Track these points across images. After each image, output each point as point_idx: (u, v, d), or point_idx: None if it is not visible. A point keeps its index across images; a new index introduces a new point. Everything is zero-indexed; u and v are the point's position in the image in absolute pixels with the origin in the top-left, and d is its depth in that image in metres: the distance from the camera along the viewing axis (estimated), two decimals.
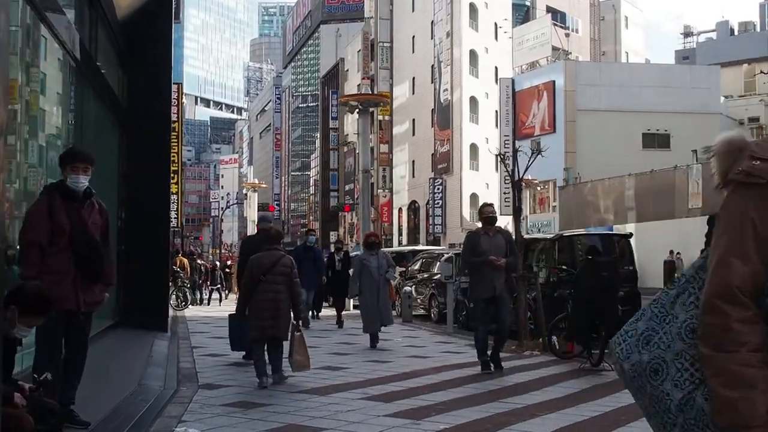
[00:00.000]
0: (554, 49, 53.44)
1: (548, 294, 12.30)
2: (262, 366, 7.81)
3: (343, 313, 15.95)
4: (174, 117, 39.73)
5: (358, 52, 72.58)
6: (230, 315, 9.73)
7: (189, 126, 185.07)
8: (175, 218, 41.05)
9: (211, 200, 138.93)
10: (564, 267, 12.49)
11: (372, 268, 11.82)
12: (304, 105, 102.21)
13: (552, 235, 13.75)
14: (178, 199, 40.65)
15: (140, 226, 12.80)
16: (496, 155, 13.77)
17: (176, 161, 40.40)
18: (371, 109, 19.04)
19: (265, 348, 7.95)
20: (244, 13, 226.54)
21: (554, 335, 10.42)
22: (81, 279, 5.21)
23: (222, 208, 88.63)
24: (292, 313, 8.11)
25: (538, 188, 48.56)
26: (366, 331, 11.91)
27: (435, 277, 17.40)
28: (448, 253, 18.24)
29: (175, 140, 40.06)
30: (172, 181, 40.93)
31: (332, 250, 17.91)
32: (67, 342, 5.37)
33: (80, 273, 5.17)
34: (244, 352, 9.57)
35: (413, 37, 62.99)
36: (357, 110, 18.89)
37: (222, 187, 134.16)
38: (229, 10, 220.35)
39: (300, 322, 8.33)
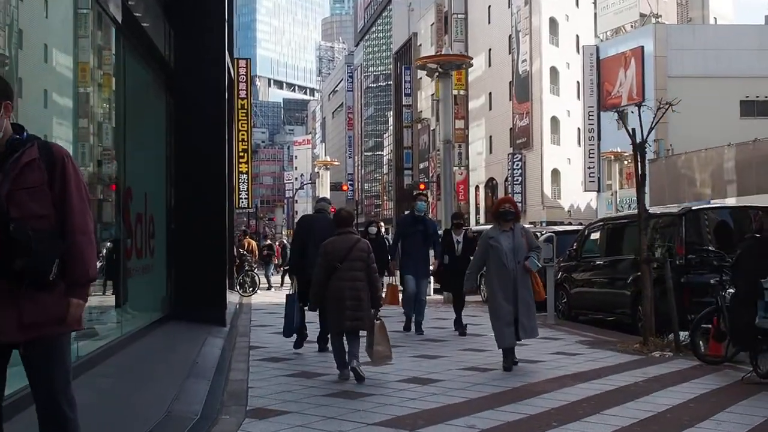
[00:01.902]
0: (641, 15, 50.27)
1: (674, 281, 10.16)
2: (343, 357, 7.35)
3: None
4: (243, 94, 38.36)
5: (431, 25, 70.32)
6: (288, 296, 9.38)
7: (262, 108, 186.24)
8: (245, 198, 39.80)
9: (285, 181, 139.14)
10: (707, 248, 10.29)
11: (504, 252, 8.09)
12: (376, 85, 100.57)
13: (677, 209, 11.54)
14: (248, 180, 39.30)
15: (193, 205, 11.12)
16: (617, 113, 11.25)
17: (246, 140, 39.02)
18: (452, 73, 16.94)
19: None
20: None
21: (697, 334, 8.32)
22: (6, 288, 3.16)
23: (296, 189, 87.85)
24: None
25: (626, 162, 45.80)
26: (500, 345, 8.18)
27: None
28: (543, 233, 16.18)
29: (245, 118, 38.65)
30: (241, 160, 39.66)
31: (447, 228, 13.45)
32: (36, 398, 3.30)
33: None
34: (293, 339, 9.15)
35: (489, 7, 60.46)
36: (436, 74, 16.87)
37: (296, 168, 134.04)
38: None
39: (377, 312, 7.59)
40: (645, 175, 10.07)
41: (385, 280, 12.83)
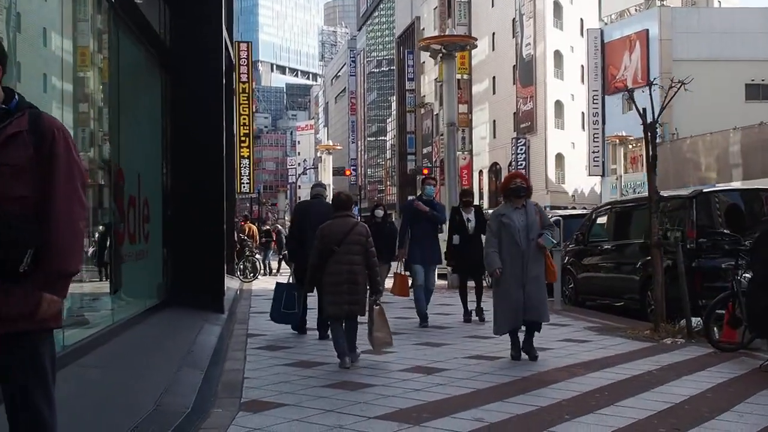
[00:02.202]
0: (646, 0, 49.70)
1: (685, 265, 9.85)
2: (342, 345, 7.12)
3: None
4: (244, 78, 37.96)
5: (435, 9, 69.78)
6: (277, 283, 9.63)
7: (265, 93, 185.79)
8: (247, 183, 39.50)
9: (288, 167, 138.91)
10: (722, 231, 9.96)
11: (516, 229, 7.46)
12: (379, 70, 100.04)
13: (688, 192, 11.20)
14: (249, 165, 38.99)
15: (190, 189, 10.81)
16: (627, 93, 10.87)
17: (247, 124, 38.65)
18: (456, 54, 16.57)
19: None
20: None
21: (711, 320, 8.01)
22: None
23: (298, 174, 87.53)
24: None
25: (630, 146, 45.40)
26: (498, 332, 7.68)
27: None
28: (551, 216, 15.84)
29: (246, 102, 38.28)
30: (243, 145, 39.31)
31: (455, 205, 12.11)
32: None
33: None
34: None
35: None
36: (440, 55, 16.50)
37: (299, 153, 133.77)
38: None
39: (376, 297, 7.42)
40: (656, 156, 9.71)
41: (393, 266, 12.56)
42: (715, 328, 8.02)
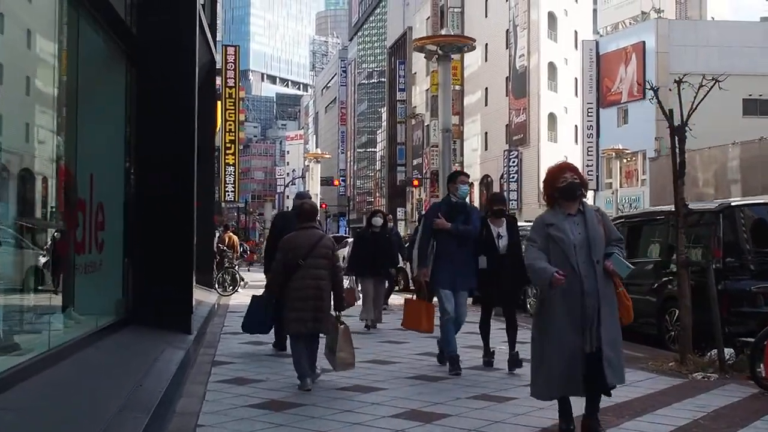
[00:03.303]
0: (642, 12, 48.90)
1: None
2: (305, 365, 6.83)
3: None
4: (231, 83, 36.83)
5: (427, 19, 68.95)
6: (254, 296, 8.50)
7: (255, 102, 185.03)
8: (232, 192, 38.31)
9: (276, 176, 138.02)
10: (755, 250, 8.89)
11: (570, 246, 5.17)
12: (369, 81, 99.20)
13: (714, 205, 10.09)
14: (234, 173, 37.82)
15: (157, 195, 9.61)
16: (652, 90, 9.70)
17: (233, 131, 37.50)
18: (452, 56, 15.49)
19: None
20: None
21: (757, 354, 6.88)
22: None
23: (287, 183, 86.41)
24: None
25: (625, 160, 44.51)
26: (541, 395, 5.41)
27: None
28: None
29: (233, 108, 37.12)
30: (228, 152, 38.14)
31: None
32: None
33: None
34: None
35: (486, 0, 59.07)
36: (436, 56, 15.42)
37: (288, 163, 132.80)
38: None
39: (339, 314, 7.09)
40: (684, 163, 8.61)
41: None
42: (761, 365, 6.88)
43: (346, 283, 11.26)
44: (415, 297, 8.59)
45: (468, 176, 8.61)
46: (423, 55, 16.03)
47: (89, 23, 8.17)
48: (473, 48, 15.82)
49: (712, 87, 8.61)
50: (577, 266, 5.13)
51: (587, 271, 5.13)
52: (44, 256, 7.39)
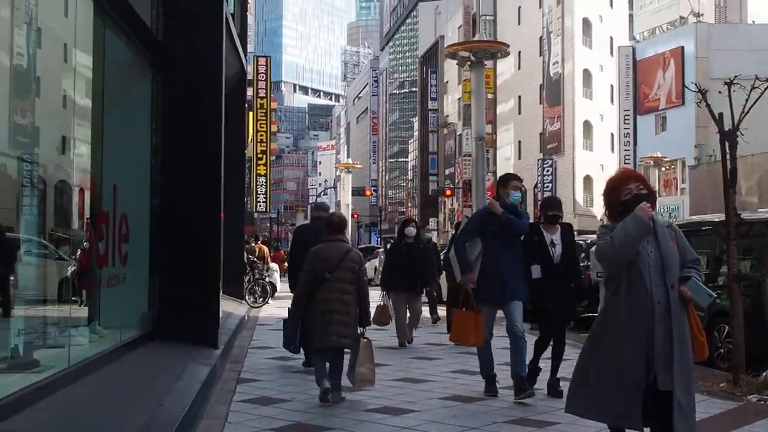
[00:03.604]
0: (680, 18, 48.13)
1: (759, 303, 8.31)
2: (323, 372, 6.75)
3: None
4: (262, 93, 36.76)
5: (459, 28, 68.56)
6: (290, 310, 8.07)
7: (287, 113, 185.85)
8: (263, 202, 38.19)
9: (308, 187, 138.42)
10: None
11: (645, 266, 4.47)
12: (400, 91, 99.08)
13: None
14: (266, 183, 37.68)
15: (184, 206, 9.35)
16: (700, 93, 9.22)
17: (265, 141, 37.43)
18: (485, 62, 15.14)
19: None
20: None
21: None
22: None
23: (318, 193, 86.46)
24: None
25: (663, 168, 43.70)
26: (582, 413, 4.75)
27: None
28: (588, 241, 14.27)
29: (264, 119, 37.06)
30: (260, 162, 38.06)
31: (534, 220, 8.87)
32: None
33: None
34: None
35: (519, 8, 58.64)
36: (468, 63, 15.06)
37: (320, 173, 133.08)
38: None
39: (364, 330, 6.95)
40: (735, 170, 8.17)
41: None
42: None
43: (379, 300, 10.91)
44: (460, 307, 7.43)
45: (521, 181, 7.66)
46: (455, 62, 15.63)
47: (114, 30, 7.96)
48: (507, 54, 15.43)
49: (766, 89, 8.08)
50: (649, 287, 4.37)
51: (660, 297, 4.37)
52: (72, 266, 7.18)
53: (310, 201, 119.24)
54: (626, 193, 4.51)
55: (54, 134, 6.68)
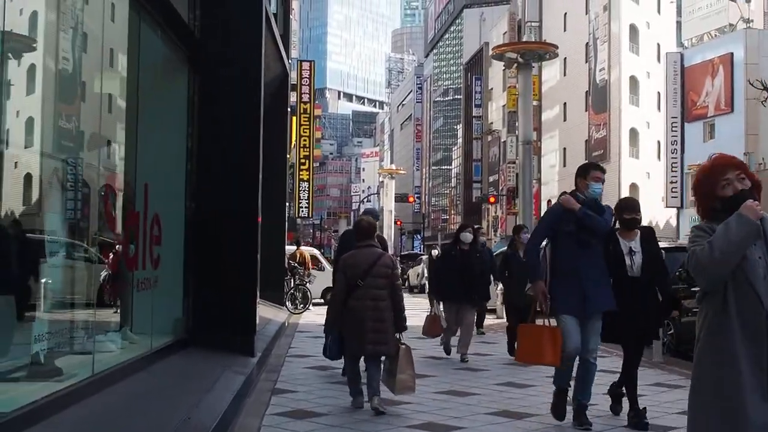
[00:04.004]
0: (729, 25, 47.04)
1: None
2: (358, 383, 6.69)
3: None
4: (305, 98, 36.63)
5: (504, 34, 68.00)
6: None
7: (331, 120, 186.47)
8: (306, 208, 38.02)
9: (352, 194, 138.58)
10: None
11: (755, 275, 3.37)
12: (444, 99, 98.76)
13: None
14: (309, 188, 37.52)
15: (220, 209, 9.09)
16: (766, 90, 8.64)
17: (308, 146, 37.27)
18: (533, 64, 14.72)
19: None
20: (387, 6, 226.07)
21: None
22: None
23: (362, 200, 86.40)
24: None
25: None
26: None
27: None
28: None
29: (307, 124, 36.92)
30: (303, 167, 37.91)
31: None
32: None
33: None
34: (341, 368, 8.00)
35: (565, 14, 57.86)
36: (515, 65, 14.65)
37: (363, 180, 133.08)
38: (371, 4, 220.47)
39: (401, 336, 6.76)
40: None
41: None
42: None
43: (432, 310, 10.59)
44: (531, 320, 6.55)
45: (604, 172, 6.60)
46: (502, 65, 15.23)
47: (149, 25, 7.73)
48: (555, 55, 15.00)
49: None
50: (762, 302, 3.34)
51: None
52: (105, 270, 6.94)
53: (353, 207, 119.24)
54: (723, 182, 3.53)
55: (91, 135, 6.46)
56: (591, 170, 6.54)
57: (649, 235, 6.48)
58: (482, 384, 8.02)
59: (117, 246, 6.98)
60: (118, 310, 7.45)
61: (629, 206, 6.62)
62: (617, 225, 6.51)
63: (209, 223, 8.97)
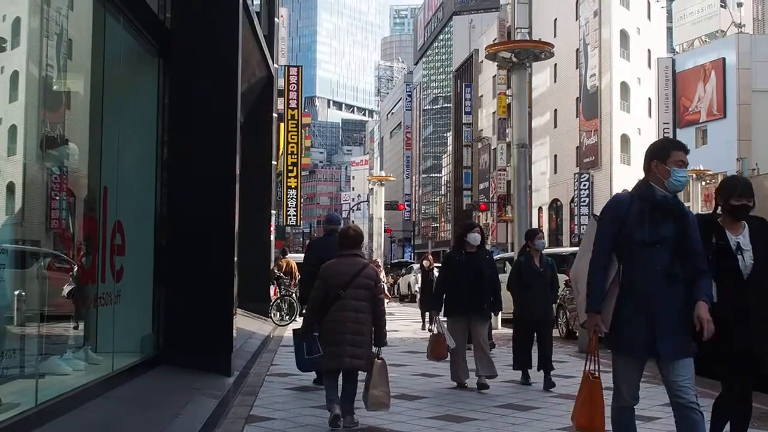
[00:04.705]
0: (721, 32, 46.66)
1: None
2: (334, 396, 6.28)
3: None
4: (293, 104, 35.92)
5: (494, 40, 67.47)
6: (294, 330, 7.76)
7: (321, 128, 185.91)
8: (294, 216, 37.22)
9: (342, 202, 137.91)
10: None
11: None
12: (433, 108, 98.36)
13: None
14: (297, 196, 36.73)
15: (193, 216, 8.38)
16: None
17: (296, 153, 36.52)
18: (528, 64, 14.07)
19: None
20: (376, 15, 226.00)
21: None
22: None
23: (351, 208, 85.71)
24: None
25: (704, 183, 42.16)
26: None
27: None
28: None
29: (295, 130, 36.18)
30: (290, 174, 37.16)
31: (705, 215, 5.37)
32: None
33: None
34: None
35: (555, 20, 57.40)
36: (510, 64, 14.00)
37: (353, 188, 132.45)
38: (360, 13, 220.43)
39: (380, 351, 6.36)
40: None
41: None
42: None
43: (433, 327, 9.38)
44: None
45: (687, 152, 4.49)
46: (493, 73, 14.54)
47: (114, 15, 7.05)
48: (551, 54, 14.36)
49: None
50: None
51: None
52: (69, 284, 6.24)
53: (343, 216, 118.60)
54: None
55: (46, 133, 5.75)
56: (672, 151, 4.46)
57: (760, 228, 4.81)
58: (481, 406, 7.28)
59: (71, 257, 6.27)
60: (77, 328, 6.73)
61: (739, 189, 4.82)
62: (719, 211, 4.88)
63: (182, 231, 8.26)
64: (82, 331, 6.76)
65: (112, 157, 6.91)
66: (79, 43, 6.92)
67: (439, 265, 10.73)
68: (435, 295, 9.10)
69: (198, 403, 6.47)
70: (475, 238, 8.62)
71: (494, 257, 9.67)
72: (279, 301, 17.99)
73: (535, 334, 9.07)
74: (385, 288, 16.66)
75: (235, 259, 8.65)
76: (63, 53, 6.39)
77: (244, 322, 14.64)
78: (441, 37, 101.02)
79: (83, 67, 6.94)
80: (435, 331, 8.84)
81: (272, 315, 17.64)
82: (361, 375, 6.34)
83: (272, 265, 19.71)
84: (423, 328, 16.56)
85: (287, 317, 17.85)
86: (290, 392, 7.69)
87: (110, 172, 6.81)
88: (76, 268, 6.30)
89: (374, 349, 6.34)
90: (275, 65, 23.30)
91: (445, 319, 8.76)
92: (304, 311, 7.50)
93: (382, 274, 19.02)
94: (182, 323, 8.15)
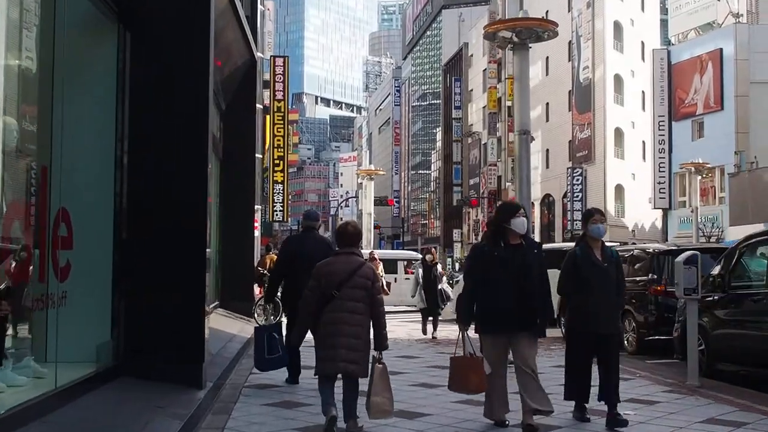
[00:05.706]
0: (718, 24, 45.77)
1: None
2: (330, 399, 5.84)
3: None
4: (279, 96, 34.81)
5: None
6: (256, 329, 8.26)
7: (309, 125, 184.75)
8: (280, 212, 36.09)
9: (330, 199, 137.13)
10: None
11: None
12: (420, 104, 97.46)
13: None
14: (283, 191, 35.57)
15: (158, 206, 7.28)
16: None
17: (282, 146, 35.40)
18: (530, 46, 12.99)
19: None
20: (364, 11, 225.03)
21: None
22: None
23: (339, 204, 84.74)
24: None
25: (700, 177, 41.29)
26: None
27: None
28: (672, 247, 12.01)
29: (281, 123, 35.07)
30: (277, 168, 36.07)
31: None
32: None
33: None
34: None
35: (546, 12, 56.34)
36: (511, 44, 12.92)
37: (341, 185, 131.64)
38: (348, 8, 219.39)
39: (380, 355, 5.90)
40: None
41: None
42: None
43: (458, 346, 6.38)
44: None
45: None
46: (485, 59, 13.46)
47: None
48: (555, 35, 13.29)
49: None
50: None
51: None
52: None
53: (331, 213, 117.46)
54: None
55: None
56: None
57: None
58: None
59: (21, 252, 5.20)
60: (17, 336, 5.66)
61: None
62: None
63: (145, 222, 7.16)
64: (23, 339, 5.69)
65: (56, 135, 5.81)
66: (27, 7, 5.89)
67: (448, 260, 9.58)
68: (463, 305, 6.56)
69: (157, 427, 5.39)
70: (521, 224, 6.30)
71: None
72: (263, 300, 16.92)
73: (596, 353, 6.84)
74: (383, 283, 15.57)
75: (208, 253, 7.56)
76: (2, 12, 5.36)
77: (224, 323, 13.58)
78: (430, 31, 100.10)
79: (28, 29, 5.88)
80: (468, 353, 6.32)
81: (256, 315, 16.57)
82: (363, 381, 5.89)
83: (257, 261, 18.64)
84: (424, 333, 15.33)
85: (272, 317, 16.75)
86: (269, 409, 6.59)
87: (54, 150, 5.71)
88: (13, 264, 5.24)
89: (374, 353, 5.92)
90: (259, 54, 22.21)
91: (476, 335, 6.46)
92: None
93: (381, 269, 17.78)
94: (146, 328, 7.06)
